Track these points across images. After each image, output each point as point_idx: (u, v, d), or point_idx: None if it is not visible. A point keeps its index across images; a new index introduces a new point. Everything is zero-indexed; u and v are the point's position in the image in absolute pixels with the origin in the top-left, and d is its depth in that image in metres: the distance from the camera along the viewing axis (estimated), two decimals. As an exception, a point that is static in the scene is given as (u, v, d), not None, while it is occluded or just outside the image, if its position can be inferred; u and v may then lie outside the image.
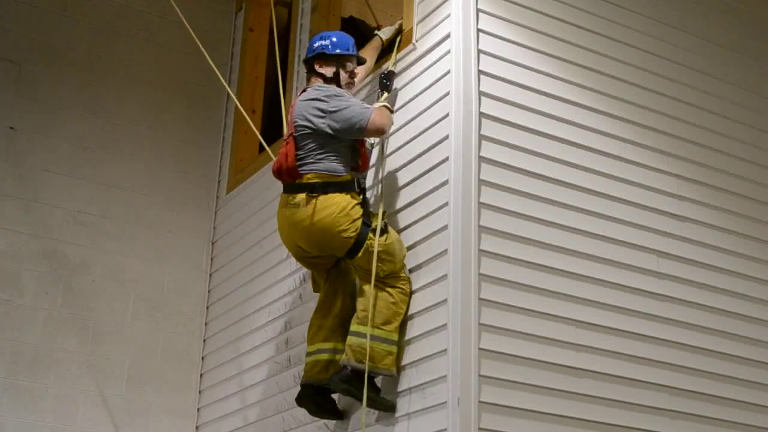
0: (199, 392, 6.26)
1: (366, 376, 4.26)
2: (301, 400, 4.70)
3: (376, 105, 4.69)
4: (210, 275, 6.50)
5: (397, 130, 4.84)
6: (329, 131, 4.50)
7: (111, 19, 6.65)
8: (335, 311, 4.67)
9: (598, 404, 4.38)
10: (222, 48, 6.93)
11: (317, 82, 4.71)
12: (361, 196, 4.58)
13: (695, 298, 4.83)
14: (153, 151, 6.55)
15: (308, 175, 4.51)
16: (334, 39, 4.79)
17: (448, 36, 4.63)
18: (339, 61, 4.76)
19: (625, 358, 4.52)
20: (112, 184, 6.35)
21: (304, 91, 4.73)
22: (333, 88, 4.64)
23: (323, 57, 4.74)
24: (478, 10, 4.64)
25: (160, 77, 6.72)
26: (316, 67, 4.74)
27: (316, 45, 4.78)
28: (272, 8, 6.06)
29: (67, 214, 6.16)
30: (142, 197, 6.43)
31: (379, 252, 4.41)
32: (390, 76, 4.91)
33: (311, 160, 4.52)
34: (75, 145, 6.30)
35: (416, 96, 4.78)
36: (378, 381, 4.43)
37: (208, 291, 6.47)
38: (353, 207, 4.47)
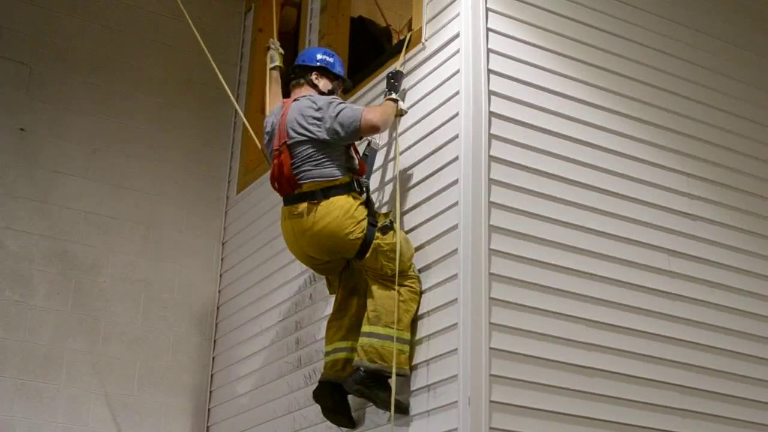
0: (210, 392, 6.26)
1: (370, 374, 4.29)
2: (317, 396, 4.70)
3: (385, 100, 4.72)
4: (220, 275, 6.51)
5: (407, 129, 4.84)
6: (328, 137, 4.51)
7: (121, 21, 6.67)
8: (351, 311, 4.68)
9: (609, 403, 4.37)
10: (232, 48, 6.95)
11: (308, 92, 4.74)
12: (364, 196, 4.59)
13: (706, 296, 4.82)
14: (163, 151, 6.56)
15: (306, 184, 4.52)
16: (337, 60, 4.90)
17: (457, 35, 4.63)
18: (337, 81, 4.88)
19: (636, 357, 4.50)
20: (122, 185, 6.37)
21: (296, 100, 4.73)
22: (324, 96, 4.70)
23: (323, 71, 4.82)
24: (487, 9, 4.64)
25: (171, 78, 6.73)
26: (313, 77, 4.80)
27: (318, 57, 4.84)
28: (273, 10, 6.05)
29: (77, 214, 6.17)
30: (152, 198, 6.45)
31: (386, 251, 4.41)
32: (397, 76, 4.89)
33: (307, 167, 4.53)
34: (85, 146, 6.32)
35: (426, 95, 4.77)
36: (390, 382, 4.41)
37: (219, 291, 6.48)
38: (356, 208, 4.48)
